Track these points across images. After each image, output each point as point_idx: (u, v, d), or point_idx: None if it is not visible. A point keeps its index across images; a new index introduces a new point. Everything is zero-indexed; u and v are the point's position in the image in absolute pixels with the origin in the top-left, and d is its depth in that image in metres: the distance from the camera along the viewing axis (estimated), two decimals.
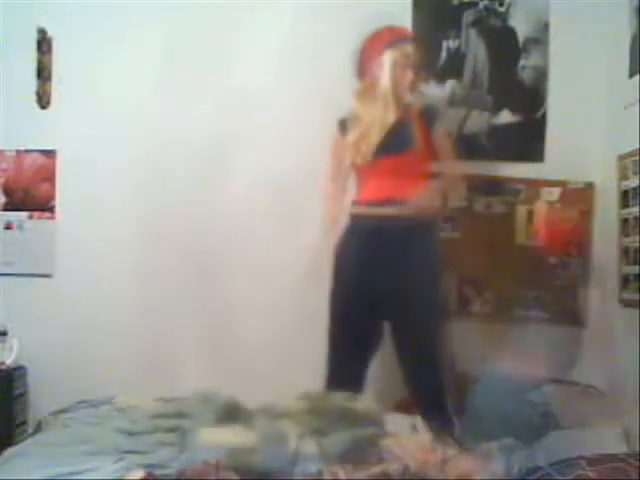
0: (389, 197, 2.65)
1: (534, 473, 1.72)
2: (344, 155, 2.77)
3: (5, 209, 3.25)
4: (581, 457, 1.66)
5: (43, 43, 3.22)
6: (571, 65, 3.16)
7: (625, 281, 2.86)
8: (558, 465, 1.68)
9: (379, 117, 2.69)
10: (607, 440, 1.89)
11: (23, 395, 3.04)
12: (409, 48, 2.71)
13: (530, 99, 3.21)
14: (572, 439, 1.96)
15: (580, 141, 3.14)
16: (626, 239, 2.86)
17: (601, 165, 3.09)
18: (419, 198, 2.61)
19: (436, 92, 3.19)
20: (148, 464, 1.87)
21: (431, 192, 2.64)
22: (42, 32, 3.21)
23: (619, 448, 1.85)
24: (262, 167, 3.17)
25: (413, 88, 2.75)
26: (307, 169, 3.05)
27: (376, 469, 1.76)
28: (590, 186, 3.16)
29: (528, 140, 3.20)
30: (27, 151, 3.25)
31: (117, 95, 3.20)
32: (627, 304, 2.83)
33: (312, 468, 1.82)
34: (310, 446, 1.92)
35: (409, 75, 2.70)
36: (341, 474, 1.76)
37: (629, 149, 2.82)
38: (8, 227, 3.24)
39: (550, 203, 3.15)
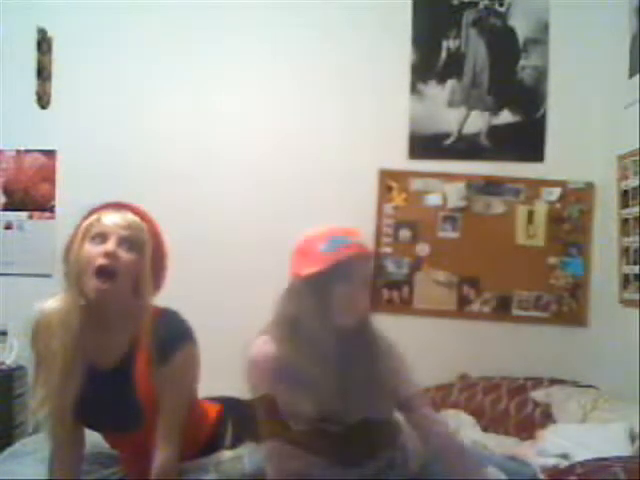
0: None
1: None
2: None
3: (5, 209, 3.24)
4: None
5: (43, 43, 3.21)
6: (571, 65, 3.16)
7: (625, 281, 2.86)
8: None
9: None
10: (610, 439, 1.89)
11: (23, 395, 3.03)
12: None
13: (530, 99, 3.20)
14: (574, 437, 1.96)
15: (580, 141, 3.14)
16: (626, 239, 2.86)
17: (601, 165, 3.09)
18: None
19: (436, 92, 3.19)
20: None
21: None
22: (42, 32, 3.21)
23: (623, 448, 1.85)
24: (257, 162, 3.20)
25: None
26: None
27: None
28: (590, 186, 3.16)
29: (528, 140, 3.20)
30: (27, 151, 3.24)
31: (117, 95, 3.19)
32: (627, 304, 2.83)
33: None
34: None
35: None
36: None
37: (629, 149, 2.82)
38: (8, 227, 3.24)
39: None
